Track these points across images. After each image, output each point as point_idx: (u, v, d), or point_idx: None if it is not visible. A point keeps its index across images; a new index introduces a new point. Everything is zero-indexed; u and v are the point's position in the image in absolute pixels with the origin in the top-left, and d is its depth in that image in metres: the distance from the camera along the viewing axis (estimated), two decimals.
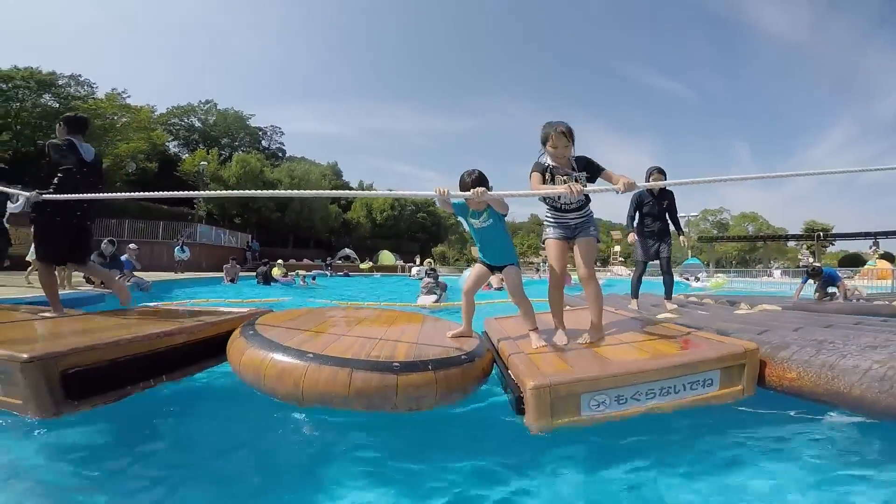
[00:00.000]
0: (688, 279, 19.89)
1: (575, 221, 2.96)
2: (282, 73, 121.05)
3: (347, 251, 34.38)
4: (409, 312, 4.60)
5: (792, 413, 2.27)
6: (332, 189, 35.86)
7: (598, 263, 53.01)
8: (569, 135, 2.75)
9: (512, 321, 3.79)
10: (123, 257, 10.35)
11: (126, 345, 2.34)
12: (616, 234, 42.60)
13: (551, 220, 3.03)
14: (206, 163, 30.15)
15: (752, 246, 50.94)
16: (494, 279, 15.95)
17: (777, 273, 27.20)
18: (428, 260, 23.58)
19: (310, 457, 1.94)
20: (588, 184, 2.81)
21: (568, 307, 4.48)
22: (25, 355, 1.94)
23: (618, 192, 2.74)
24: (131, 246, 11.03)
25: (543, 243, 3.14)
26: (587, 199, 2.97)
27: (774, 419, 2.25)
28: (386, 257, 33.26)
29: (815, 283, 8.03)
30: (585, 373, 2.18)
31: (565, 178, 2.77)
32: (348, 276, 21.66)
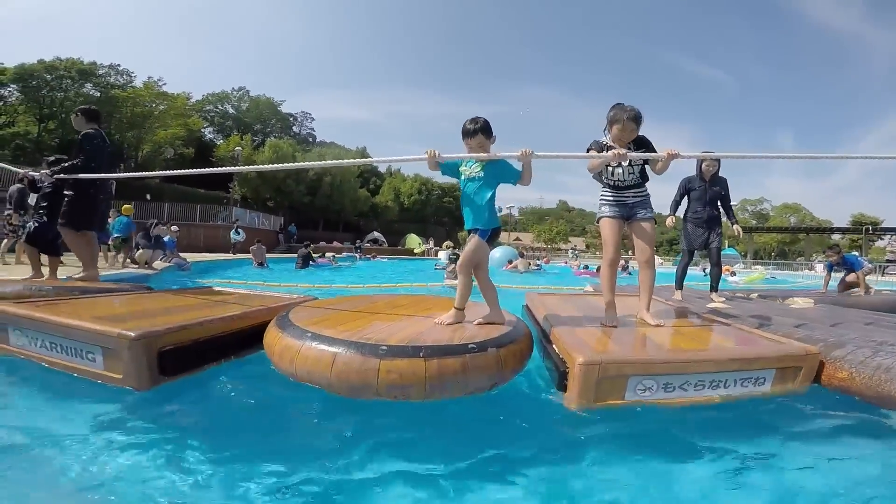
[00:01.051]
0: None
1: (632, 200, 2.94)
2: (312, 59, 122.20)
3: (376, 234, 34.82)
4: (445, 297, 4.46)
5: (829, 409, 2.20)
6: (329, 161, 36.05)
7: (631, 252, 51.97)
8: (637, 121, 2.76)
9: (555, 298, 3.72)
10: (166, 238, 10.87)
11: (209, 325, 2.47)
12: None
13: (608, 198, 2.99)
14: (240, 148, 30.87)
15: (792, 238, 48.79)
16: (521, 263, 16.09)
17: (819, 267, 26.01)
18: (447, 243, 23.56)
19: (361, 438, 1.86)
20: (634, 151, 2.79)
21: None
22: (133, 333, 2.06)
23: (657, 168, 2.79)
24: (173, 228, 11.56)
25: (597, 222, 3.07)
26: (643, 178, 2.95)
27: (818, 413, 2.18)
28: (413, 241, 33.54)
29: (838, 272, 7.74)
30: (637, 355, 2.13)
31: (624, 162, 2.82)
32: (375, 258, 21.90)
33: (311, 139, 52.53)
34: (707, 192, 4.64)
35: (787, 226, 48.15)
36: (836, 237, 48.65)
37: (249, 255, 13.40)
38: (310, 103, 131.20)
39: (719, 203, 4.72)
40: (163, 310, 2.80)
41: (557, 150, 2.85)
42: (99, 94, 30.39)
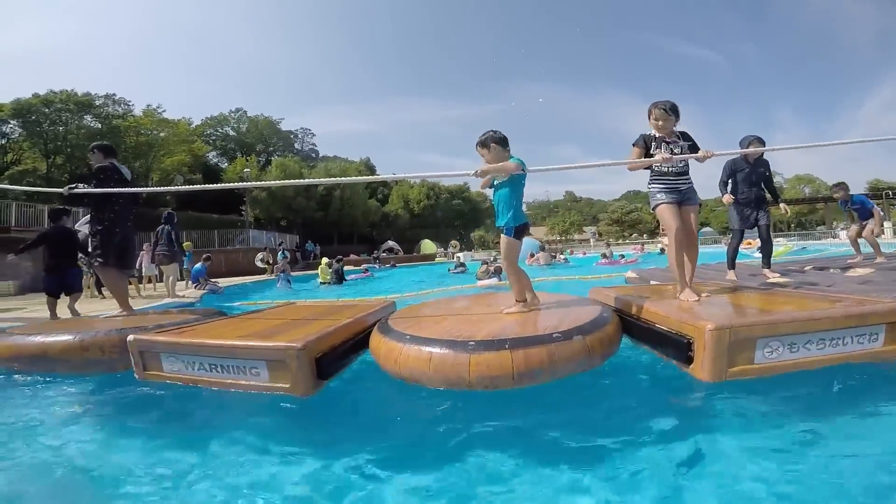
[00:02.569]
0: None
1: (684, 186, 3.20)
2: (306, 77, 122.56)
3: (391, 243, 34.46)
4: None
5: None
6: (364, 175, 35.96)
7: (646, 235, 51.68)
8: (670, 111, 3.11)
9: (623, 288, 3.93)
10: (198, 265, 10.75)
11: (340, 332, 2.67)
12: None
13: (662, 186, 3.19)
14: (248, 170, 30.69)
15: (810, 208, 48.03)
16: (542, 257, 15.66)
17: (843, 234, 25.62)
18: (453, 242, 23.13)
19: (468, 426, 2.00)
20: (680, 141, 3.18)
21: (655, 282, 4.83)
22: (299, 344, 2.20)
23: (699, 161, 3.13)
24: (205, 257, 11.70)
25: (654, 209, 3.27)
26: (688, 164, 3.24)
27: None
28: (427, 246, 33.14)
29: (855, 221, 7.20)
30: (762, 317, 2.21)
31: (671, 146, 3.13)
32: (395, 267, 21.48)
33: (313, 154, 52.41)
34: (752, 173, 4.85)
35: (803, 196, 47.34)
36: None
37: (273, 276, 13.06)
38: (308, 120, 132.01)
39: (763, 183, 4.94)
40: (291, 323, 3.02)
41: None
42: (101, 126, 30.14)
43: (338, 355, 2.52)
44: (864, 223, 6.93)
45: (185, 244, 10.11)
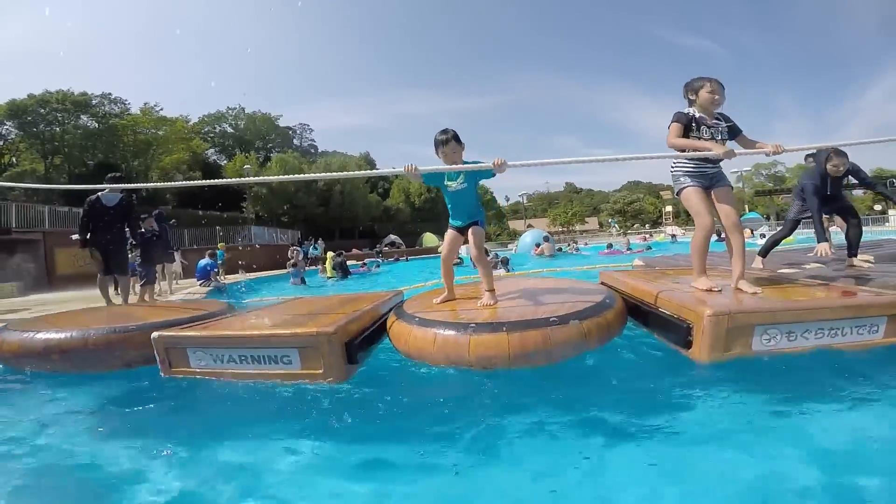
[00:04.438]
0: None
1: (713, 171, 2.92)
2: (302, 72, 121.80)
3: (393, 237, 34.32)
4: (535, 278, 5.24)
5: None
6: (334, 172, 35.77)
7: (648, 225, 51.58)
8: (723, 87, 2.84)
9: (633, 273, 3.98)
10: (203, 260, 10.61)
11: (363, 317, 2.76)
12: (667, 194, 40.86)
13: (690, 169, 2.91)
14: (248, 166, 30.48)
15: None
16: (546, 248, 15.61)
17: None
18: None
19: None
20: (728, 139, 2.91)
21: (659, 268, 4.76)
22: (331, 329, 2.25)
23: (767, 155, 2.85)
24: (210, 252, 11.57)
25: (678, 194, 3.03)
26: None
27: None
28: (429, 240, 33.00)
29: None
30: (761, 305, 2.24)
31: (711, 129, 2.84)
32: (398, 260, 21.33)
33: (312, 149, 52.09)
34: (829, 187, 4.23)
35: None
36: (857, 193, 47.66)
37: (279, 272, 12.86)
38: (306, 115, 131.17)
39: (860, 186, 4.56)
40: (311, 313, 3.00)
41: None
42: (98, 125, 29.87)
43: (363, 341, 2.58)
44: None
45: (220, 245, 10.72)
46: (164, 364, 2.52)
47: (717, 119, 2.88)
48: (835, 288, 2.73)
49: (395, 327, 2.58)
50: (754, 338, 2.13)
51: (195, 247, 18.34)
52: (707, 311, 2.10)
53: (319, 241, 23.87)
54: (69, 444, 2.00)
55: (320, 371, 2.27)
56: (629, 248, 16.06)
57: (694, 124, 2.83)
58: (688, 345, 2.22)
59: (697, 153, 2.77)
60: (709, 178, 2.90)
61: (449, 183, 2.90)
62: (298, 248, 13.53)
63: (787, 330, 2.15)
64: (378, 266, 15.46)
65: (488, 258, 10.91)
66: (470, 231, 2.94)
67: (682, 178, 2.93)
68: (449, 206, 3.01)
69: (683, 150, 2.83)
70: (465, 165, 2.78)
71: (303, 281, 11.66)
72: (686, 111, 2.88)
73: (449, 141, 2.78)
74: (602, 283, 3.68)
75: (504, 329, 2.16)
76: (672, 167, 3.02)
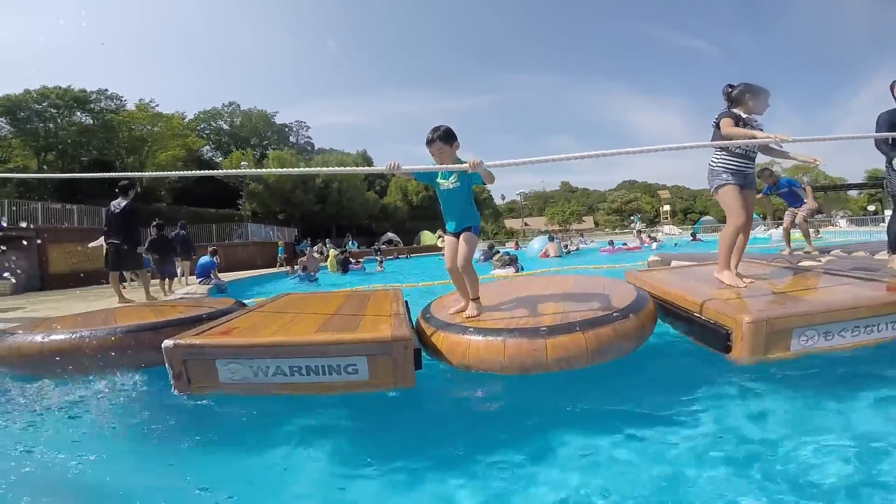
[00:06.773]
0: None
1: (749, 170, 3.08)
2: (299, 70, 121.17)
3: (390, 235, 34.18)
4: (562, 276, 5.22)
5: None
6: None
7: (645, 224, 51.61)
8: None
9: (661, 273, 3.95)
10: (204, 258, 10.34)
11: (406, 318, 2.64)
12: (664, 194, 40.85)
13: (732, 166, 3.03)
14: (245, 163, 30.22)
15: None
16: (552, 248, 15.44)
17: (843, 222, 26.06)
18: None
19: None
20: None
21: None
22: (406, 333, 2.16)
23: (778, 147, 3.02)
24: (211, 249, 11.24)
25: (715, 191, 3.11)
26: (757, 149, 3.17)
27: None
28: (427, 237, 32.87)
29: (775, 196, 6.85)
30: (799, 308, 2.30)
31: (754, 128, 2.98)
32: (397, 258, 21.17)
33: (309, 147, 51.75)
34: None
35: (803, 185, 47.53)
36: (852, 193, 47.95)
37: (276, 269, 12.71)
38: (302, 113, 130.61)
39: None
40: (337, 315, 2.84)
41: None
42: (93, 121, 29.42)
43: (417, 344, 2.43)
44: (795, 210, 6.40)
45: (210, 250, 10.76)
46: (181, 379, 2.13)
47: (754, 119, 3.07)
48: (871, 285, 2.68)
49: (446, 340, 2.36)
50: (793, 339, 2.16)
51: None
52: (746, 319, 2.12)
53: (347, 237, 23.86)
54: (73, 448, 1.92)
55: (391, 380, 2.11)
56: (655, 244, 17.15)
57: (742, 125, 2.99)
58: (727, 349, 2.24)
59: (744, 141, 2.89)
60: (745, 177, 3.07)
61: (441, 181, 2.80)
62: (314, 251, 13.65)
63: (825, 330, 2.18)
64: (381, 264, 15.26)
65: (497, 255, 10.97)
66: (461, 237, 2.81)
67: (723, 175, 3.05)
68: (441, 205, 2.88)
69: (730, 142, 2.96)
70: (444, 166, 2.66)
71: (311, 281, 11.53)
72: (734, 112, 3.02)
73: (434, 140, 2.66)
74: (627, 282, 3.58)
75: (578, 328, 2.15)
76: (712, 162, 3.11)
